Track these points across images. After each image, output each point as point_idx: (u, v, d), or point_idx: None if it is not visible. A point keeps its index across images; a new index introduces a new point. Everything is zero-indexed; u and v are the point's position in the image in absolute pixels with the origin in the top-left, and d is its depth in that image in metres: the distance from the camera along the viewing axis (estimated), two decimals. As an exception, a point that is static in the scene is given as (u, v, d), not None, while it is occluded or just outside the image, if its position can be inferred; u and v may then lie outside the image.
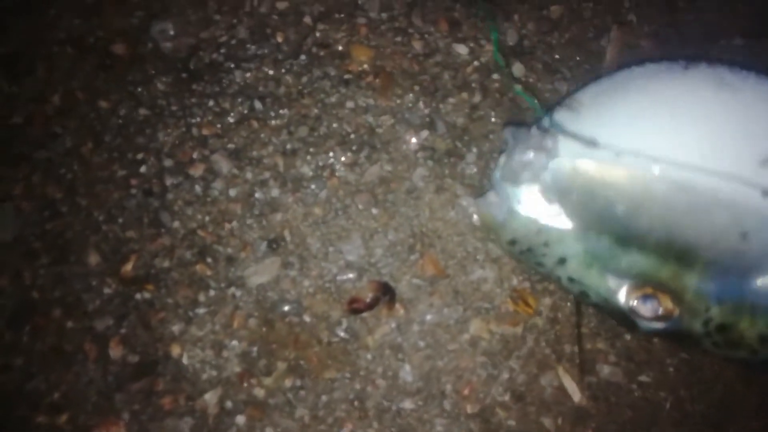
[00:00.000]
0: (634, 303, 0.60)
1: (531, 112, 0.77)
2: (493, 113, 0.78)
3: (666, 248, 0.58)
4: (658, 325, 0.61)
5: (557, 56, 0.80)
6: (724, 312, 0.58)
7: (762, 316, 0.57)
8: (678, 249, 0.57)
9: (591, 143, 0.59)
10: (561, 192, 0.61)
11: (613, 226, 0.59)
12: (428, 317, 0.72)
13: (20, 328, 0.69)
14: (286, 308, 0.71)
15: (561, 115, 0.63)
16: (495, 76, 0.79)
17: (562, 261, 0.62)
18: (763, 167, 0.55)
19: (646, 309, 0.60)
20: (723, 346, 0.60)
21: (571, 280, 0.63)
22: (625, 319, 0.62)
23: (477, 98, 0.78)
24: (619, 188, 0.58)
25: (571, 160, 0.60)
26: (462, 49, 0.79)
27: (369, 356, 0.71)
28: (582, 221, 0.61)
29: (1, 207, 0.71)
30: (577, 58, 0.80)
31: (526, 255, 0.64)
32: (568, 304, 0.72)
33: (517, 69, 0.79)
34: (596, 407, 0.70)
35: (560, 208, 0.61)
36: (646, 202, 0.57)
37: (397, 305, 0.72)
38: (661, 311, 0.60)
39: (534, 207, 0.62)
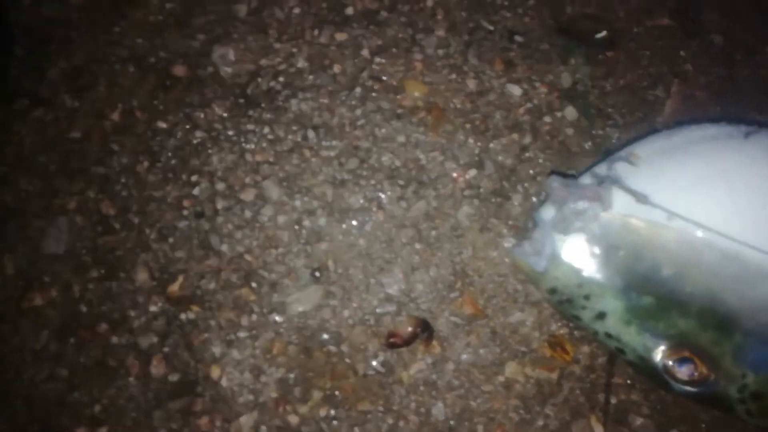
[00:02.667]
0: (670, 364, 0.60)
1: (580, 157, 0.78)
2: (542, 156, 0.78)
3: (708, 315, 0.58)
4: (693, 389, 0.61)
5: (610, 102, 0.81)
6: (759, 381, 0.59)
7: (796, 389, 0.58)
8: (720, 316, 0.58)
9: (643, 199, 0.60)
10: (608, 247, 0.61)
11: (657, 287, 0.59)
12: (464, 356, 0.72)
13: (66, 340, 0.72)
14: (325, 337, 0.73)
15: (619, 167, 0.63)
16: (546, 118, 0.79)
17: (601, 315, 0.62)
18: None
19: (682, 372, 0.60)
20: (756, 415, 0.60)
21: (608, 335, 0.63)
22: (659, 378, 0.62)
23: (527, 140, 0.79)
24: (668, 251, 0.58)
25: (623, 216, 0.60)
26: (516, 90, 0.80)
27: (403, 391, 0.71)
28: (626, 279, 0.61)
29: (55, 220, 0.73)
30: (631, 106, 0.80)
31: (564, 305, 0.65)
32: (606, 353, 0.72)
33: (569, 113, 0.80)
34: (626, 459, 0.70)
35: (605, 263, 0.61)
36: (693, 268, 0.58)
37: (434, 342, 0.72)
38: (696, 375, 0.60)
39: (578, 258, 0.62)
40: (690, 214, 0.57)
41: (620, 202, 0.61)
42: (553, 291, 0.64)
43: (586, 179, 0.64)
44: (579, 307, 0.63)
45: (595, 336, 0.65)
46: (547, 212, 0.64)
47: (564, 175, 0.66)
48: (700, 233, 0.57)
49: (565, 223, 0.62)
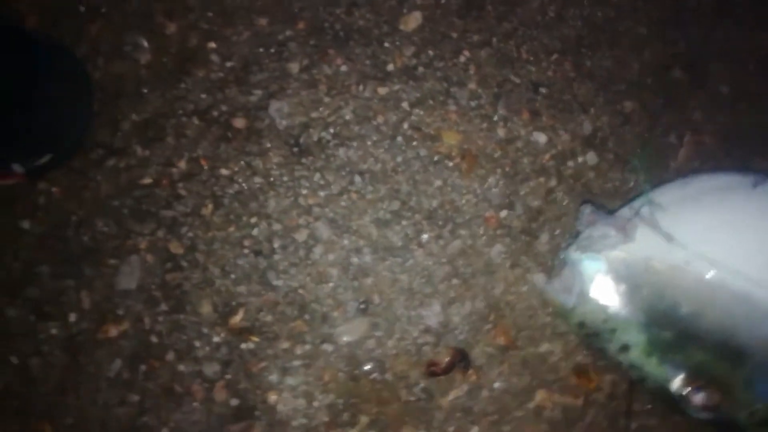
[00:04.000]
0: (687, 392, 0.67)
1: (601, 198, 0.85)
2: (566, 198, 0.85)
3: (722, 348, 0.65)
4: (708, 414, 0.67)
5: (629, 148, 0.88)
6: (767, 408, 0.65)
7: (801, 418, 0.64)
8: (732, 350, 0.65)
9: (669, 237, 0.67)
10: (632, 286, 0.68)
11: (676, 323, 0.66)
12: (497, 384, 0.79)
13: (137, 368, 0.78)
14: (371, 366, 0.80)
15: (646, 209, 0.70)
16: (570, 163, 0.86)
17: (625, 348, 0.69)
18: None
19: (697, 399, 0.67)
20: (765, 439, 0.67)
21: (632, 366, 0.70)
22: (677, 405, 0.69)
23: (553, 183, 0.86)
24: (686, 292, 0.66)
25: (646, 259, 0.67)
26: (541, 138, 0.87)
27: (442, 416, 0.78)
28: (648, 315, 0.68)
29: (127, 259, 0.80)
30: (647, 151, 0.87)
31: (591, 338, 0.72)
32: (627, 381, 0.78)
33: (590, 158, 0.87)
34: (647, 479, 0.77)
35: (629, 300, 0.69)
36: (709, 307, 0.65)
37: (470, 371, 0.79)
38: (711, 402, 0.67)
39: (605, 296, 0.69)
40: (707, 259, 0.64)
41: (645, 245, 0.68)
42: (581, 325, 0.71)
43: (623, 212, 0.71)
44: (605, 340, 0.70)
45: (619, 366, 0.72)
46: (576, 252, 0.71)
47: (597, 206, 0.73)
48: (714, 276, 0.64)
49: (587, 242, 0.69)
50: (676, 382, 0.68)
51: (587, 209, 0.73)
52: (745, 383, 0.66)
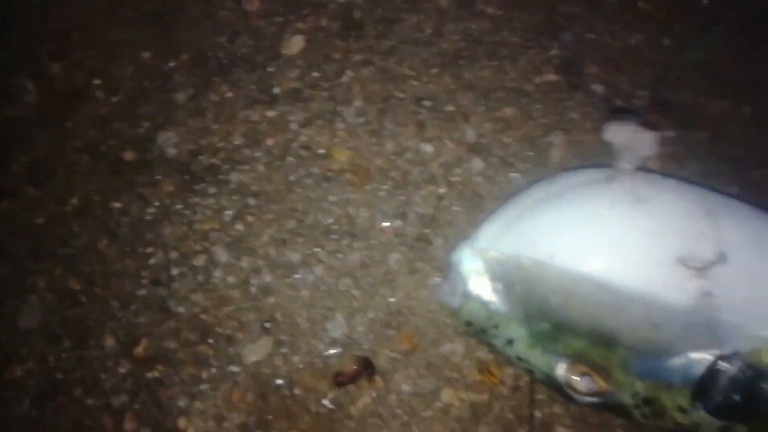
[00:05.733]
0: (571, 379, 0.71)
1: (489, 201, 0.88)
2: (456, 203, 0.89)
3: (594, 335, 0.69)
4: (593, 399, 0.71)
5: (511, 151, 0.92)
6: (647, 387, 0.69)
7: (677, 391, 0.68)
8: (603, 336, 0.68)
9: None
10: (507, 283, 0.72)
11: (549, 315, 0.70)
12: (404, 388, 0.82)
13: (46, 406, 0.79)
14: (279, 382, 0.82)
15: None
16: (457, 170, 0.90)
17: (510, 342, 0.73)
18: (670, 268, 0.67)
19: (581, 384, 0.71)
20: (651, 417, 0.70)
21: (518, 358, 0.73)
22: (566, 393, 0.73)
23: (442, 190, 0.89)
24: (553, 285, 0.69)
25: (515, 256, 0.71)
26: (428, 148, 0.91)
27: (353, 424, 0.80)
28: (525, 309, 0.71)
29: (27, 298, 0.81)
30: (529, 153, 0.92)
31: (479, 335, 0.75)
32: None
33: (476, 164, 0.91)
34: (553, 466, 0.80)
35: (506, 297, 0.72)
36: (574, 298, 0.69)
37: (377, 377, 0.82)
38: (595, 387, 0.71)
39: (485, 294, 0.73)
40: (568, 252, 0.68)
41: (514, 242, 0.72)
42: (468, 324, 0.75)
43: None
44: (491, 335, 0.74)
45: (509, 359, 0.75)
46: (459, 255, 0.75)
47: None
48: (575, 268, 0.68)
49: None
50: (560, 371, 0.72)
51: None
52: (621, 366, 0.69)
